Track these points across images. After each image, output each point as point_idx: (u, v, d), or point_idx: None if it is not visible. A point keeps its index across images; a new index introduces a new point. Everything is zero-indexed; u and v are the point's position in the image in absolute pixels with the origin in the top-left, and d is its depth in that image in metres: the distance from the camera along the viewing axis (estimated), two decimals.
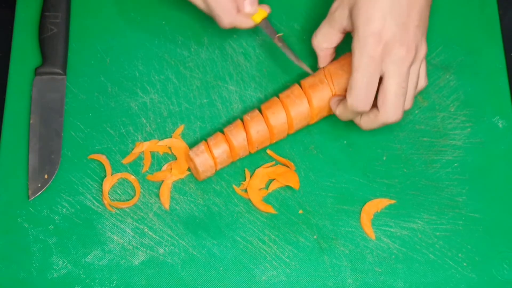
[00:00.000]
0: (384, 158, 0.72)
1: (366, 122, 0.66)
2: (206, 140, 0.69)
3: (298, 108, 0.68)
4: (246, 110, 0.73)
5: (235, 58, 0.76)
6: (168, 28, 0.77)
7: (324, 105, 0.69)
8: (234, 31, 0.76)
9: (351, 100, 0.64)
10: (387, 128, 0.73)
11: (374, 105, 0.65)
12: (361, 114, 0.66)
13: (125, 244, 0.69)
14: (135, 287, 0.67)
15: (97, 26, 0.77)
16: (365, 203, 0.70)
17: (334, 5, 0.67)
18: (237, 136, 0.68)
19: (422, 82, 0.67)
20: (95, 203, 0.70)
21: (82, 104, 0.74)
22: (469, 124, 0.73)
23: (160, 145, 0.72)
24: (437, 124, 0.73)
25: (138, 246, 0.69)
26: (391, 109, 0.63)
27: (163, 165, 0.71)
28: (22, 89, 0.74)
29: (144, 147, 0.71)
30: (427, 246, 0.69)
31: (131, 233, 0.69)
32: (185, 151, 0.71)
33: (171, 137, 0.72)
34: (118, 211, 0.70)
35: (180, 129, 0.73)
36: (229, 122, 0.73)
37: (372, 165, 0.72)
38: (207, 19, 0.77)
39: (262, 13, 0.69)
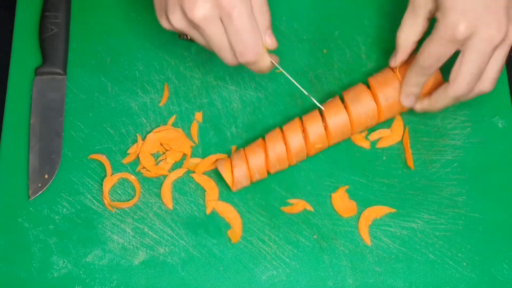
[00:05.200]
0: (384, 158, 0.72)
1: (436, 98, 0.66)
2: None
3: (317, 131, 0.69)
4: (246, 110, 0.74)
5: None
6: None
7: (341, 129, 0.69)
8: None
9: (419, 62, 0.63)
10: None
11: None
12: (424, 80, 0.65)
13: (125, 244, 0.69)
14: (135, 287, 0.67)
15: (97, 26, 0.77)
16: (365, 203, 0.70)
17: None
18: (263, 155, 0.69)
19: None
20: (95, 203, 0.70)
21: (82, 104, 0.74)
22: (469, 124, 0.73)
23: (156, 144, 0.71)
24: (437, 124, 0.73)
25: (138, 246, 0.69)
26: (462, 85, 0.63)
27: (160, 162, 0.71)
28: (22, 89, 0.74)
29: (139, 146, 0.71)
30: (427, 246, 0.69)
31: (131, 233, 0.69)
32: (179, 140, 0.71)
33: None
34: (118, 211, 0.70)
35: (172, 119, 0.73)
36: (229, 121, 0.73)
37: (372, 165, 0.72)
38: None
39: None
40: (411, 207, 0.70)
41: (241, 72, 0.75)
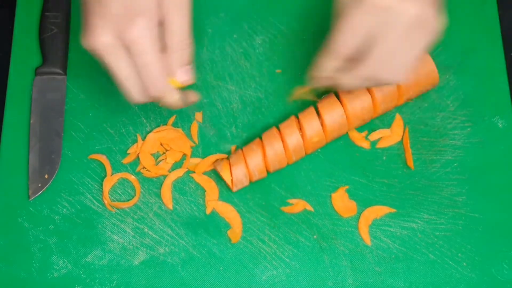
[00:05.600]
0: (384, 158, 0.72)
1: (344, 75, 0.60)
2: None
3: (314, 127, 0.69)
4: (246, 110, 0.74)
5: (235, 58, 0.76)
6: None
7: (337, 125, 0.69)
8: (234, 31, 0.76)
9: (335, 42, 0.58)
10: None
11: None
12: (342, 59, 0.59)
13: (125, 244, 0.69)
14: (135, 287, 0.67)
15: None
16: (365, 203, 0.70)
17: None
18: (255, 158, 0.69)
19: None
20: (95, 203, 0.70)
21: (82, 104, 0.74)
22: (469, 124, 0.73)
23: (156, 144, 0.71)
24: (437, 124, 0.73)
25: (138, 246, 0.69)
26: (373, 65, 0.57)
27: (160, 162, 0.71)
28: (22, 89, 0.74)
29: (139, 146, 0.71)
30: (427, 246, 0.69)
31: (131, 233, 0.69)
32: (179, 140, 0.71)
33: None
34: (118, 211, 0.70)
35: (172, 119, 0.73)
36: (229, 121, 0.73)
37: (372, 165, 0.72)
38: (207, 19, 0.77)
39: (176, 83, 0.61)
40: (411, 207, 0.70)
41: (241, 72, 0.75)
